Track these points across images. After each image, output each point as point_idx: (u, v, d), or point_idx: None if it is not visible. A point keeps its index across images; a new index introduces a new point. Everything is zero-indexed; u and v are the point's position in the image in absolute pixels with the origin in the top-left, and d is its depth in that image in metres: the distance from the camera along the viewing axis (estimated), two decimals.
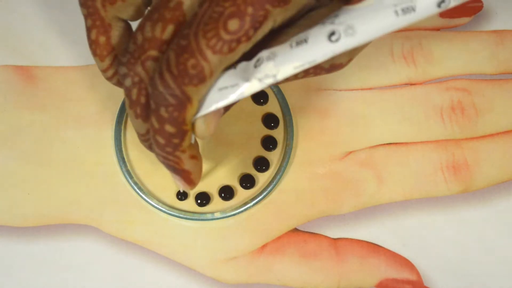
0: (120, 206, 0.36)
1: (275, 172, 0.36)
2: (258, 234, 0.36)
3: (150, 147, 0.30)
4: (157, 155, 0.28)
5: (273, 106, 0.38)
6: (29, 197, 0.36)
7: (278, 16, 0.25)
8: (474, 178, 0.37)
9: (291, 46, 0.25)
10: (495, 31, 0.39)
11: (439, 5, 0.24)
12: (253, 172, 0.36)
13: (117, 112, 0.37)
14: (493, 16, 0.40)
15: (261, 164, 0.36)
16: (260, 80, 0.25)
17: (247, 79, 0.25)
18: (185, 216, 0.35)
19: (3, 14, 0.40)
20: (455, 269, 0.36)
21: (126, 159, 0.36)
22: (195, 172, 0.29)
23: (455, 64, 0.38)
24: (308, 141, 0.37)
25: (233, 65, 0.26)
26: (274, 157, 0.37)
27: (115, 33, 0.29)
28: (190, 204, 0.36)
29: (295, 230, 0.36)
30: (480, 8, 0.39)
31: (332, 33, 0.24)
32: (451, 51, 0.39)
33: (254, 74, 0.25)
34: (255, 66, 0.25)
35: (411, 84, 0.38)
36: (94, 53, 0.30)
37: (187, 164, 0.28)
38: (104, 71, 0.30)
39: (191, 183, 0.29)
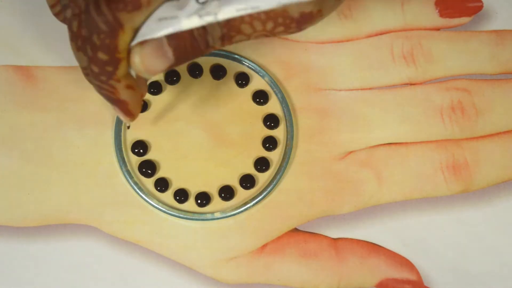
0: (120, 206, 0.36)
1: (275, 172, 0.36)
2: (258, 234, 0.36)
3: (89, 80, 0.29)
4: (94, 85, 0.28)
5: (273, 106, 0.38)
6: (29, 197, 0.36)
7: None
8: (474, 178, 0.37)
9: None
10: (495, 31, 0.39)
11: None
12: (253, 172, 0.36)
13: None
14: (493, 16, 0.40)
15: (261, 164, 0.36)
16: (200, 16, 0.25)
17: (188, 13, 0.25)
18: (185, 216, 0.35)
19: (3, 14, 0.39)
20: (455, 269, 0.36)
21: (126, 159, 0.36)
22: (133, 103, 0.29)
23: (455, 64, 0.38)
24: (308, 141, 0.37)
25: None
26: (274, 157, 0.37)
27: None
28: (190, 204, 0.36)
29: (295, 230, 0.36)
30: (480, 8, 0.39)
31: None
32: (451, 51, 0.39)
33: (196, 11, 0.25)
34: (198, 2, 0.25)
35: (411, 84, 0.38)
36: None
37: (123, 94, 0.28)
38: (52, 6, 0.30)
39: (129, 114, 0.29)
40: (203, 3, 0.25)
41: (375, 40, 0.39)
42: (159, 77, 0.39)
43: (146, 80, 0.30)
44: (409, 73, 0.38)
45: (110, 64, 0.26)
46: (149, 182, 0.36)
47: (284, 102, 0.37)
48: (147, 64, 0.27)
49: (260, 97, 0.38)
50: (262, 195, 0.36)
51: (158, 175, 0.36)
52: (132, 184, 0.36)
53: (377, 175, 0.37)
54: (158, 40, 0.26)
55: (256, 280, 0.35)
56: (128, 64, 0.27)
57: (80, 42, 0.27)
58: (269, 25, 0.27)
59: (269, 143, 0.37)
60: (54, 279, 0.35)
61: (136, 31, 0.26)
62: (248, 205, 0.36)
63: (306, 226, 0.36)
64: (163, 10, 0.26)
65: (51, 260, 0.36)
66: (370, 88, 0.38)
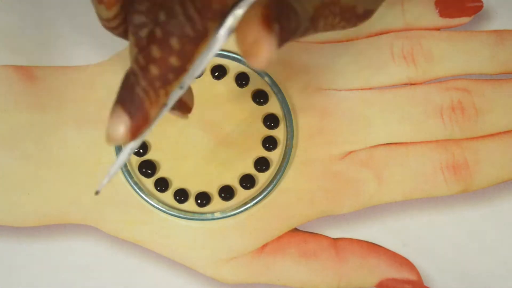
0: (120, 206, 0.36)
1: (275, 172, 0.36)
2: (258, 234, 0.36)
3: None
4: (137, 87, 0.25)
5: (273, 106, 0.38)
6: (29, 197, 0.36)
7: None
8: (474, 178, 0.37)
9: None
10: (495, 31, 0.39)
11: None
12: (253, 172, 0.36)
13: None
14: (493, 16, 0.40)
15: (261, 164, 0.36)
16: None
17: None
18: (185, 216, 0.35)
19: (3, 14, 0.40)
20: (455, 269, 0.36)
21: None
22: (147, 125, 0.25)
23: (455, 64, 0.38)
24: (308, 141, 0.37)
25: None
26: (274, 157, 0.37)
27: None
28: (190, 204, 0.36)
29: (295, 230, 0.36)
30: (480, 8, 0.39)
31: None
32: (451, 51, 0.39)
33: None
34: None
35: (411, 84, 0.38)
36: (100, 1, 0.27)
37: (155, 110, 0.25)
38: (108, 20, 0.27)
39: (134, 132, 0.25)
40: None
41: (375, 40, 0.39)
42: None
43: (192, 90, 0.29)
44: (409, 73, 0.38)
45: (176, 72, 0.24)
46: (149, 182, 0.36)
47: (284, 102, 0.37)
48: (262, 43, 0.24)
49: (260, 97, 0.38)
50: (262, 195, 0.36)
51: (158, 175, 0.36)
52: (132, 184, 0.36)
53: (377, 175, 0.37)
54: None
55: (256, 280, 0.35)
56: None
57: (146, 42, 0.25)
58: (337, 20, 0.27)
59: (269, 143, 0.37)
60: (54, 279, 0.35)
61: (217, 38, 0.24)
62: (248, 205, 0.36)
63: (306, 226, 0.36)
64: None
65: (51, 260, 0.36)
66: (370, 88, 0.38)
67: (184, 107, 0.28)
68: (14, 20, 0.40)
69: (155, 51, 0.24)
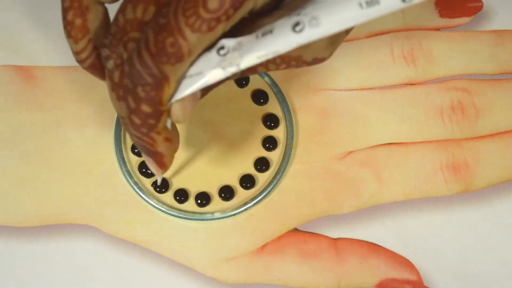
0: (120, 206, 0.36)
1: (275, 172, 0.36)
2: (258, 234, 0.36)
3: (126, 129, 0.29)
4: (132, 135, 0.28)
5: (273, 106, 0.38)
6: (29, 197, 0.36)
7: None
8: (474, 178, 0.37)
9: (257, 36, 0.25)
10: (495, 31, 0.39)
11: (403, 0, 0.24)
12: (253, 172, 0.36)
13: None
14: (493, 16, 0.40)
15: (261, 164, 0.36)
16: (223, 68, 0.25)
17: (211, 67, 0.26)
18: (185, 216, 0.35)
19: (2, 14, 0.40)
20: (455, 269, 0.36)
21: (126, 159, 0.36)
22: (168, 155, 0.29)
23: (455, 64, 0.38)
24: (308, 141, 0.37)
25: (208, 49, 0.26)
26: (274, 157, 0.37)
27: (92, 16, 0.29)
28: (190, 204, 0.36)
29: (295, 230, 0.36)
30: (480, 8, 0.39)
31: (297, 24, 0.24)
32: (451, 51, 0.39)
33: (219, 63, 0.25)
34: (220, 54, 0.25)
35: (411, 84, 0.38)
36: (69, 35, 0.29)
37: (161, 146, 0.28)
38: (77, 53, 0.30)
39: (163, 166, 0.29)
40: (224, 55, 0.25)
41: (375, 40, 0.39)
42: None
43: (178, 134, 0.30)
44: (409, 73, 0.38)
45: (153, 116, 0.26)
46: (149, 182, 0.36)
47: (284, 102, 0.37)
48: (186, 110, 0.27)
49: (260, 97, 0.38)
50: (262, 195, 0.36)
51: None
52: (132, 184, 0.36)
53: (377, 175, 0.37)
54: None
55: (256, 280, 0.35)
56: (167, 116, 0.27)
57: (122, 92, 0.27)
58: (282, 66, 0.28)
59: (269, 143, 0.37)
60: (54, 279, 0.35)
61: (179, 82, 0.26)
62: (248, 205, 0.36)
63: (306, 226, 0.36)
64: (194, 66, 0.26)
65: (51, 260, 0.35)
66: (370, 88, 0.38)
67: (160, 160, 0.29)
68: (14, 20, 0.40)
69: (131, 102, 0.26)
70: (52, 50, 0.39)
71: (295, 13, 0.25)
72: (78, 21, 0.29)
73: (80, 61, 0.30)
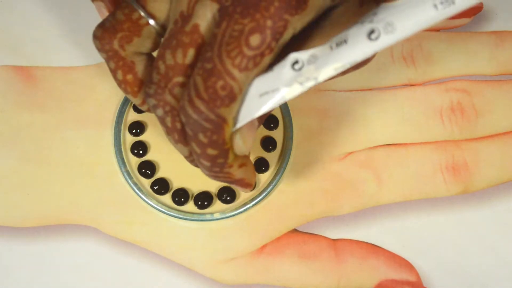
0: (120, 207, 0.36)
1: (274, 173, 0.36)
2: (257, 234, 0.36)
3: (197, 166, 0.30)
4: (207, 175, 0.28)
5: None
6: (29, 197, 0.36)
7: (297, 23, 0.25)
8: (474, 179, 0.37)
9: (331, 47, 0.25)
10: (495, 32, 0.39)
11: None
12: None
13: (116, 113, 0.37)
14: (493, 17, 0.40)
15: (261, 165, 0.36)
16: (301, 83, 0.25)
17: (287, 83, 0.25)
18: (184, 217, 0.35)
19: (2, 14, 0.40)
20: (454, 269, 0.36)
21: (125, 160, 0.36)
22: (249, 176, 0.29)
23: (454, 65, 0.38)
24: (307, 142, 0.37)
25: (267, 69, 0.26)
26: (273, 157, 0.37)
27: (140, 67, 0.29)
28: (189, 204, 0.36)
29: (295, 230, 0.36)
30: (480, 9, 0.39)
31: (372, 32, 0.24)
32: (451, 52, 0.39)
33: (295, 78, 0.25)
34: (294, 69, 0.25)
35: (411, 85, 0.38)
36: (126, 92, 0.30)
37: (238, 174, 0.28)
38: (140, 105, 0.30)
39: (248, 186, 0.30)
40: (299, 69, 0.25)
41: None
42: None
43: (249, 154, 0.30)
44: (409, 74, 0.38)
45: (221, 156, 0.27)
46: (148, 183, 0.36)
47: (283, 102, 0.37)
48: (247, 141, 0.27)
49: None
50: (262, 196, 0.36)
51: (158, 175, 0.36)
52: (132, 184, 0.36)
53: (377, 176, 0.37)
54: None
55: (255, 281, 0.35)
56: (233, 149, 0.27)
57: (177, 135, 0.27)
58: (350, 70, 0.28)
59: (269, 144, 0.37)
60: (54, 279, 0.35)
61: (235, 118, 0.26)
62: (248, 206, 0.36)
63: (306, 227, 0.36)
64: (259, 86, 0.25)
65: (51, 260, 0.36)
66: (369, 89, 0.38)
67: (242, 184, 0.29)
68: (14, 20, 0.40)
69: (196, 148, 0.26)
70: (52, 50, 0.39)
71: (368, 20, 0.24)
72: (129, 77, 0.29)
73: (147, 111, 0.31)
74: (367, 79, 0.38)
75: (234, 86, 0.25)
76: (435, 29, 0.39)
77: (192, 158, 0.29)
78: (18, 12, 0.40)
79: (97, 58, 0.39)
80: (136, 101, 0.30)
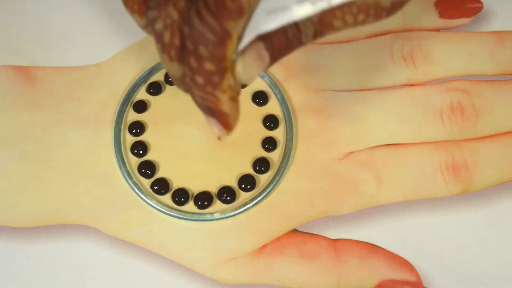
0: (120, 207, 0.36)
1: (274, 172, 0.36)
2: (257, 234, 0.36)
3: (187, 90, 0.29)
4: (195, 96, 0.27)
5: (273, 107, 0.38)
6: (28, 197, 0.36)
7: None
8: (474, 179, 0.37)
9: None
10: (495, 32, 0.39)
11: None
12: (252, 173, 0.36)
13: (116, 113, 0.37)
14: (493, 17, 0.40)
15: (261, 165, 0.36)
16: (313, 3, 0.24)
17: (298, 0, 0.24)
18: (184, 217, 0.35)
19: (3, 14, 0.40)
20: (455, 270, 0.36)
21: (125, 160, 0.36)
22: (233, 115, 0.28)
23: (454, 65, 0.38)
24: (307, 142, 0.37)
25: None
26: (273, 157, 0.37)
27: None
28: (189, 205, 0.36)
29: (295, 230, 0.36)
30: (480, 9, 0.39)
31: None
32: (451, 52, 0.39)
33: None
34: None
35: (411, 85, 0.38)
36: (126, 4, 0.28)
37: (226, 105, 0.27)
38: (144, 27, 0.29)
39: (228, 126, 0.28)
40: None
41: (375, 41, 0.39)
42: (159, 77, 0.39)
43: (239, 95, 0.29)
44: (409, 74, 0.38)
45: (217, 73, 0.26)
46: (148, 183, 0.36)
47: (283, 102, 0.37)
48: (249, 70, 0.26)
49: (260, 98, 0.38)
50: (262, 196, 0.36)
51: (158, 175, 0.36)
52: (132, 184, 0.36)
53: (377, 176, 0.37)
54: (256, 46, 0.26)
55: (255, 281, 0.35)
56: (232, 74, 0.26)
57: (174, 52, 0.26)
58: (360, 17, 0.27)
59: (269, 144, 0.37)
60: (53, 279, 0.35)
61: (240, 37, 0.26)
62: (248, 206, 0.36)
63: (306, 227, 0.36)
64: (268, 2, 0.25)
65: (51, 260, 0.36)
66: (369, 89, 0.38)
67: (224, 120, 0.28)
68: (14, 20, 0.40)
69: (193, 62, 0.25)
70: (52, 50, 0.39)
71: None
72: None
73: (143, 27, 0.29)
74: (367, 79, 0.38)
75: (243, 0, 0.24)
76: (435, 29, 0.39)
77: (183, 81, 0.28)
78: (18, 12, 0.40)
79: (98, 58, 0.39)
80: (134, 17, 0.29)
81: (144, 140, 0.37)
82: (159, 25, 0.26)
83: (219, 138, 0.34)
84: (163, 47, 0.27)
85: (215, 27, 0.25)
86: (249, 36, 0.25)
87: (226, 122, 0.28)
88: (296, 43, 0.27)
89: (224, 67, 0.26)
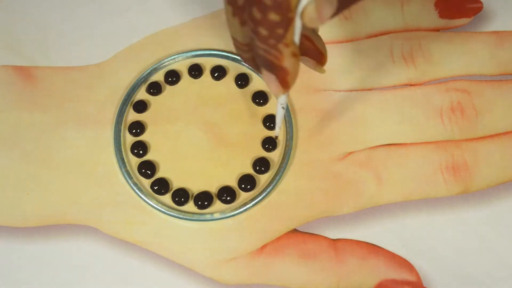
0: (120, 207, 0.36)
1: (274, 172, 0.36)
2: (257, 234, 0.36)
3: (247, 59, 0.28)
4: (258, 49, 0.27)
5: (272, 107, 0.38)
6: (29, 197, 0.36)
7: None
8: (474, 179, 0.37)
9: None
10: (495, 32, 0.39)
11: None
12: (252, 173, 0.36)
13: (116, 113, 0.37)
14: (493, 17, 0.40)
15: (261, 165, 0.36)
16: None
17: None
18: (184, 217, 0.35)
19: (3, 14, 0.40)
20: (454, 269, 0.36)
21: (125, 160, 0.36)
22: (293, 73, 0.28)
23: (454, 65, 0.38)
24: (308, 142, 0.37)
25: None
26: (273, 157, 0.37)
27: None
28: (189, 205, 0.36)
29: (295, 230, 0.36)
30: (480, 9, 0.39)
31: None
32: (451, 52, 0.39)
33: None
34: None
35: (411, 85, 0.38)
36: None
37: (287, 61, 0.27)
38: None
39: (286, 84, 0.28)
40: None
41: (374, 41, 0.39)
42: (159, 77, 0.39)
43: (320, 37, 0.29)
44: (409, 74, 0.38)
45: (281, 25, 0.25)
46: (148, 183, 0.36)
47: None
48: (320, 11, 0.25)
49: (260, 98, 0.38)
50: (262, 196, 0.36)
51: (158, 175, 0.36)
52: (132, 184, 0.36)
53: (377, 176, 0.37)
54: None
55: (255, 281, 0.35)
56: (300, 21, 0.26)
57: (240, 3, 0.26)
58: None
59: (269, 144, 0.37)
60: (53, 279, 0.35)
61: None
62: (248, 206, 0.36)
63: (306, 227, 0.36)
64: None
65: (51, 260, 0.36)
66: (369, 89, 0.38)
67: (318, 55, 0.29)
68: (14, 20, 0.40)
69: (256, 13, 0.25)
70: (52, 50, 0.39)
71: None
72: None
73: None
74: (367, 79, 0.38)
75: None
76: (435, 29, 0.39)
77: (244, 48, 0.28)
78: (18, 12, 0.40)
79: (98, 58, 0.39)
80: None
81: (144, 140, 0.37)
82: None
83: (275, 97, 0.34)
84: (234, 10, 0.27)
85: None
86: None
87: (285, 79, 0.28)
88: None
89: (288, 18, 0.25)
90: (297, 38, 0.26)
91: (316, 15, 0.25)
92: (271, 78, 0.28)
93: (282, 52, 0.26)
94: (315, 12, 0.25)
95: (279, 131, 0.35)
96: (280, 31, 0.26)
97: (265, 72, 0.28)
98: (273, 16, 0.25)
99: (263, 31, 0.26)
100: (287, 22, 0.25)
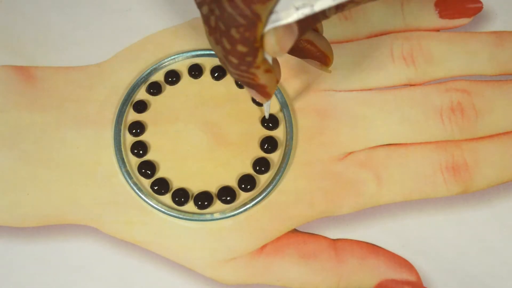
0: (120, 207, 0.36)
1: (274, 172, 0.36)
2: (257, 234, 0.36)
3: (230, 72, 0.30)
4: (232, 74, 0.28)
5: (273, 107, 0.38)
6: (29, 197, 0.36)
7: None
8: (474, 179, 0.37)
9: None
10: (494, 32, 0.39)
11: None
12: (252, 173, 0.36)
13: (116, 113, 0.37)
14: (493, 17, 0.40)
15: (261, 165, 0.36)
16: (297, 8, 0.26)
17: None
18: (184, 217, 0.35)
19: (3, 14, 0.40)
20: (454, 269, 0.36)
21: (125, 160, 0.36)
22: (270, 85, 0.29)
23: (454, 65, 0.38)
24: (307, 142, 0.37)
25: None
26: (273, 158, 0.37)
27: None
28: (189, 205, 0.36)
29: (295, 230, 0.36)
30: (480, 9, 0.39)
31: None
32: (451, 52, 0.39)
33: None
34: None
35: (411, 85, 0.38)
36: None
37: (262, 78, 0.28)
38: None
39: (266, 95, 0.30)
40: None
41: (375, 41, 0.39)
42: (159, 77, 0.39)
43: (279, 65, 0.30)
44: (409, 74, 0.38)
45: (250, 54, 0.27)
46: (148, 183, 0.36)
47: (284, 102, 0.37)
48: (282, 44, 0.27)
49: None
50: (262, 196, 0.36)
51: (158, 175, 0.36)
52: (132, 184, 0.36)
53: (377, 176, 0.37)
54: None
55: (255, 281, 0.35)
56: (263, 49, 0.27)
57: (219, 35, 0.27)
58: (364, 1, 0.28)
59: (269, 144, 0.37)
60: (53, 279, 0.35)
61: (269, 17, 0.26)
62: (248, 206, 0.36)
63: (306, 227, 0.36)
64: None
65: (51, 260, 0.35)
66: (369, 89, 0.38)
67: (322, 57, 0.30)
68: (14, 20, 0.40)
69: (226, 44, 0.27)
70: (52, 50, 0.39)
71: None
72: None
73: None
74: (367, 79, 0.38)
75: None
76: (435, 29, 0.39)
77: (225, 61, 0.29)
78: (18, 12, 0.40)
79: (98, 58, 0.39)
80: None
81: (144, 140, 0.37)
82: (204, 10, 0.27)
83: (261, 104, 0.36)
84: (210, 30, 0.28)
85: (244, 10, 0.25)
86: (274, 23, 0.26)
87: (264, 92, 0.30)
88: (321, 16, 0.27)
89: (255, 48, 0.27)
90: (269, 58, 0.28)
91: (277, 47, 0.27)
92: (252, 91, 0.30)
93: (255, 74, 0.28)
94: (276, 44, 0.27)
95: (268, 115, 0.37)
96: (249, 59, 0.27)
97: (245, 87, 0.29)
98: (241, 48, 0.27)
99: (234, 60, 0.27)
100: (255, 51, 0.27)
